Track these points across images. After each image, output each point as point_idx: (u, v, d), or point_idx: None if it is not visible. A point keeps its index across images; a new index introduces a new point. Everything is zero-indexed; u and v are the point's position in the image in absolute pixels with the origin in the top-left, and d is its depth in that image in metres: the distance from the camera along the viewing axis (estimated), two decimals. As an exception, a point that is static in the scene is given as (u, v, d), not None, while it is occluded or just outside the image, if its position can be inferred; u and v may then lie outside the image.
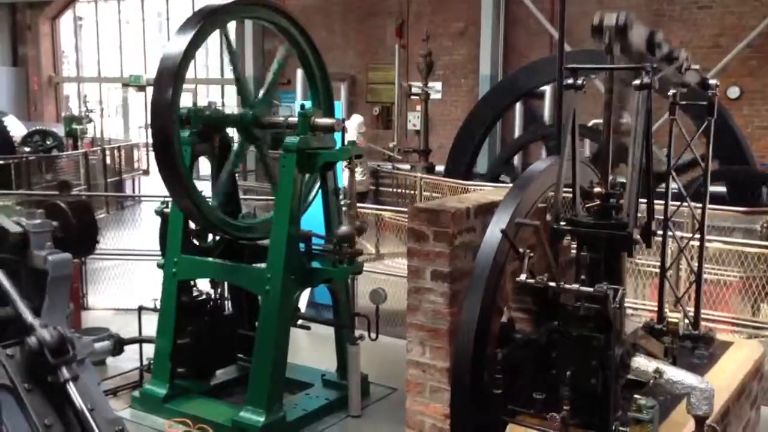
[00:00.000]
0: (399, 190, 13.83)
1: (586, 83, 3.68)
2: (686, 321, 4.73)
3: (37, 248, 2.30)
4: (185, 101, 6.36)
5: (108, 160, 17.24)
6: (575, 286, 3.51)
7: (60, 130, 19.07)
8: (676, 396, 3.63)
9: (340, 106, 9.51)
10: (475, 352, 3.59)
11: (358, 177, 7.57)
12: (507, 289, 3.84)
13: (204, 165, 7.10)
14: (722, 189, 11.11)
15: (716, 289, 6.91)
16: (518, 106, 16.37)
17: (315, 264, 6.40)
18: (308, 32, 6.79)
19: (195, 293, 6.84)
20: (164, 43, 6.82)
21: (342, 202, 6.60)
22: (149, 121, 6.21)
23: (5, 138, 16.75)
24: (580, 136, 4.07)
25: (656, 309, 4.55)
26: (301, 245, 6.32)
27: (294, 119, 6.17)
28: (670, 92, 4.49)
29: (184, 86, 5.97)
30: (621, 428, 3.42)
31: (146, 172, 20.26)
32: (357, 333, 6.64)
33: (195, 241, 6.73)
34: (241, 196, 7.36)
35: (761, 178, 11.67)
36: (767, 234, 8.83)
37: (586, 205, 3.81)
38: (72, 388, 1.96)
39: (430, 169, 14.69)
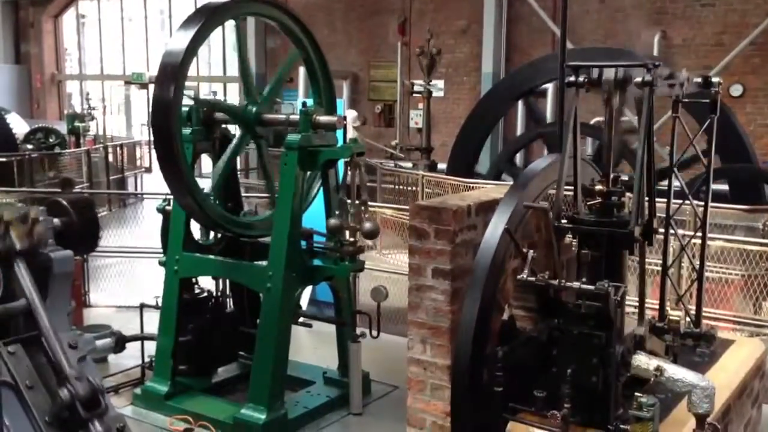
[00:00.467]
0: (401, 187, 13.82)
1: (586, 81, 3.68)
2: (688, 319, 4.73)
3: (39, 245, 2.30)
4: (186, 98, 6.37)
5: (110, 158, 17.26)
6: (576, 284, 3.51)
7: (62, 127, 19.09)
8: (677, 394, 3.63)
9: (342, 104, 9.53)
10: (475, 350, 3.59)
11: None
12: (508, 286, 3.84)
13: (206, 163, 7.11)
14: (724, 187, 11.09)
15: (718, 287, 6.90)
16: (520, 104, 16.36)
17: (316, 261, 6.40)
18: (310, 30, 6.78)
19: (197, 291, 6.84)
20: (166, 41, 6.82)
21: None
22: (151, 119, 6.22)
23: (8, 135, 16.75)
24: (582, 133, 4.07)
25: (658, 307, 4.55)
26: (303, 243, 6.33)
27: (296, 117, 6.16)
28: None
29: (186, 83, 5.97)
30: (622, 426, 3.42)
31: (148, 170, 20.27)
32: (358, 330, 6.64)
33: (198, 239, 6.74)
34: (243, 194, 7.36)
35: (762, 177, 11.64)
36: (769, 232, 8.82)
37: (588, 203, 3.80)
38: None
39: (432, 167, 14.68)
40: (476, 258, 3.72)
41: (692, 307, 4.79)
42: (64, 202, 2.49)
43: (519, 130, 17.00)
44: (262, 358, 6.08)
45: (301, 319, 6.67)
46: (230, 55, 23.51)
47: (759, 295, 6.83)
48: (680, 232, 5.53)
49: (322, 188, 6.66)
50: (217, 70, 24.49)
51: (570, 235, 3.96)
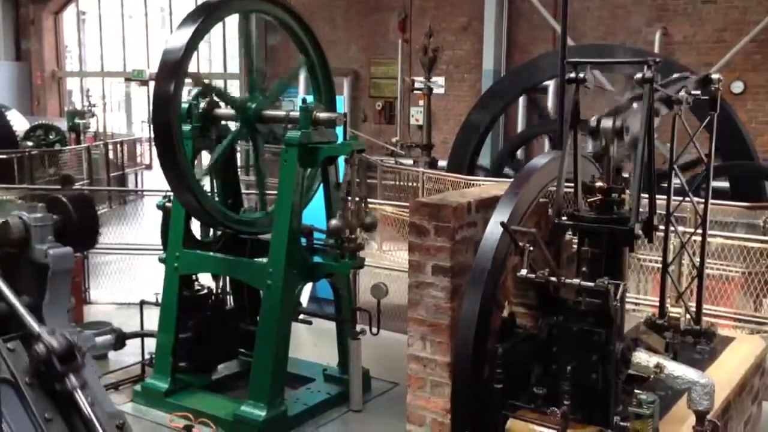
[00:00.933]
0: (402, 183, 13.82)
1: (587, 78, 3.67)
2: (688, 316, 4.73)
3: (38, 242, 2.29)
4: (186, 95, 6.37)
5: (111, 155, 17.25)
6: (576, 280, 3.51)
7: (63, 124, 19.06)
8: (677, 391, 3.63)
9: (342, 101, 9.51)
10: (475, 347, 3.59)
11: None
12: (508, 283, 3.84)
13: (206, 161, 7.10)
14: (725, 184, 11.09)
15: (718, 285, 6.91)
16: (521, 101, 16.36)
17: (317, 258, 6.41)
18: (310, 27, 6.78)
19: (197, 288, 6.85)
20: (167, 37, 6.82)
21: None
22: (151, 115, 6.23)
23: (8, 132, 16.75)
24: (583, 131, 4.07)
25: (658, 304, 4.55)
26: (303, 240, 6.33)
27: (296, 113, 6.16)
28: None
29: (186, 80, 5.96)
30: (621, 423, 3.42)
31: (149, 167, 20.27)
32: (358, 328, 6.64)
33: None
34: (243, 191, 7.36)
35: (762, 174, 11.63)
36: (770, 229, 8.81)
37: (588, 200, 3.80)
38: (80, 396, 1.95)
39: (432, 164, 14.68)
40: (477, 255, 3.72)
41: (692, 305, 4.80)
42: (64, 199, 2.49)
43: (520, 127, 16.99)
44: (262, 355, 6.09)
45: (301, 316, 6.67)
46: (231, 52, 23.50)
47: (759, 292, 6.83)
48: (680, 229, 5.53)
49: (322, 185, 6.66)
50: (218, 67, 24.47)
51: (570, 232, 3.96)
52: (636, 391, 3.35)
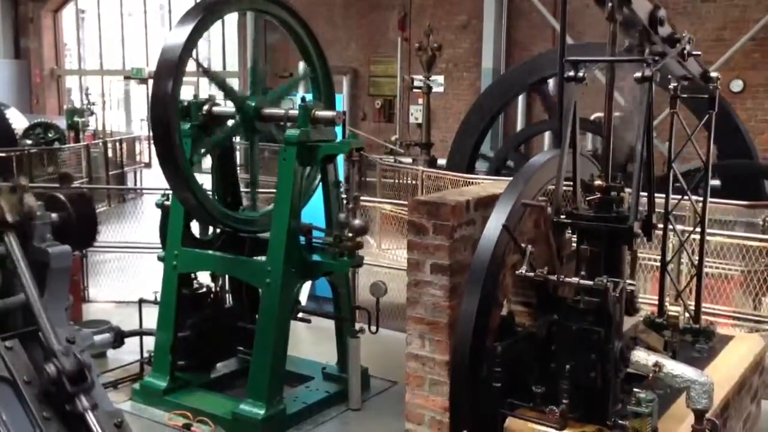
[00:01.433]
0: (401, 181, 13.82)
1: (587, 76, 3.67)
2: (687, 314, 4.73)
3: (36, 240, 2.29)
4: (186, 94, 6.36)
5: (110, 153, 17.24)
6: (575, 279, 3.51)
7: (62, 122, 19.05)
8: (675, 390, 3.63)
9: (341, 99, 9.51)
10: (474, 346, 3.59)
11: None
12: (507, 282, 3.84)
13: (205, 160, 7.10)
14: (716, 182, 11.07)
15: (717, 283, 6.90)
16: (521, 99, 16.35)
17: (315, 257, 6.40)
18: (310, 25, 6.77)
19: (195, 286, 6.84)
20: (166, 36, 6.78)
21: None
22: (150, 113, 6.22)
23: (7, 130, 16.73)
24: (582, 129, 4.07)
25: (657, 302, 4.55)
26: (302, 238, 6.32)
27: (295, 112, 6.15)
28: (671, 85, 4.48)
29: (185, 79, 5.95)
30: (620, 422, 3.42)
31: (148, 165, 20.26)
32: (357, 326, 6.64)
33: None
34: (242, 189, 7.35)
35: (761, 172, 11.62)
36: (769, 228, 8.81)
37: (587, 198, 3.80)
38: (91, 417, 1.94)
39: (431, 163, 14.67)
40: (476, 253, 3.72)
41: (691, 303, 4.79)
42: (62, 197, 2.48)
43: (519, 126, 16.99)
44: (261, 353, 6.09)
45: (300, 315, 6.67)
46: (230, 50, 23.49)
47: (758, 290, 6.83)
48: (679, 227, 5.53)
49: (321, 183, 6.65)
50: (217, 65, 24.45)
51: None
52: (635, 389, 3.35)
